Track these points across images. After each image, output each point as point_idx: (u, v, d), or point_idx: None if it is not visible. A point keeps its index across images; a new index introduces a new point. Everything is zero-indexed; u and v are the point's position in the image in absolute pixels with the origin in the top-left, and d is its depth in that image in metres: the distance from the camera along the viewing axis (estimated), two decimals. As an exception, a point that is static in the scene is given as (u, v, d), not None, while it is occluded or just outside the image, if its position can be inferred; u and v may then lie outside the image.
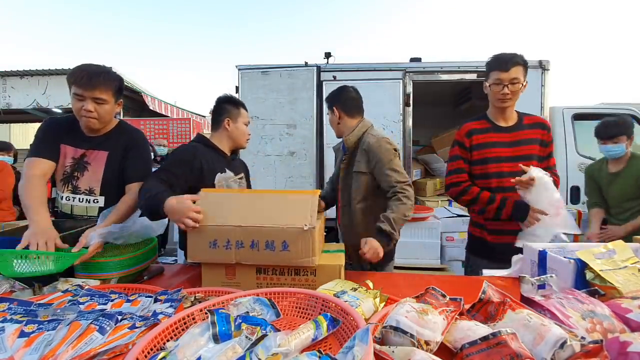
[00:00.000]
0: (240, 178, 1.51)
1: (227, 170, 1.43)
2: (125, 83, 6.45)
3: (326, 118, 3.31)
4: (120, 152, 1.40)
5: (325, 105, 1.76)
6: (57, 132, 1.37)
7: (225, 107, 1.49)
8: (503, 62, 1.44)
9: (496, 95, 1.48)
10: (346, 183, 1.56)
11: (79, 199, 1.39)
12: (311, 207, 1.00)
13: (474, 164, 1.54)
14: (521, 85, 1.45)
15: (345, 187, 1.57)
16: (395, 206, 1.35)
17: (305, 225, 0.94)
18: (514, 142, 1.50)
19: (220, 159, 1.44)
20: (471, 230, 1.67)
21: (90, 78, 1.27)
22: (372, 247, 1.21)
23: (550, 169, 1.52)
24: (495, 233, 1.51)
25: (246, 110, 1.55)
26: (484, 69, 3.23)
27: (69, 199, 1.38)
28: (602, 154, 2.14)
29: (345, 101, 1.64)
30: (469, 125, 1.57)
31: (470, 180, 1.55)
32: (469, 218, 1.67)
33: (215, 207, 1.05)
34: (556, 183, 1.47)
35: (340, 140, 1.68)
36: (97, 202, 1.40)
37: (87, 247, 1.06)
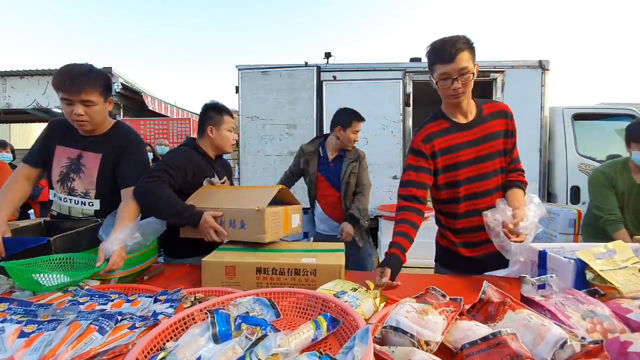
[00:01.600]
0: (223, 182, 1.59)
1: (215, 175, 1.52)
2: (125, 83, 6.41)
3: (326, 118, 3.34)
4: (114, 155, 1.37)
5: (354, 124, 1.99)
6: (52, 136, 1.38)
7: (209, 114, 1.52)
8: (445, 52, 1.17)
9: (447, 92, 1.22)
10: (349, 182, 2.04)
11: (75, 201, 1.37)
12: (267, 197, 1.24)
13: (441, 172, 1.28)
14: (472, 73, 1.18)
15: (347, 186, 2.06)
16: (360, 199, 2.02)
17: (257, 207, 1.17)
18: (475, 140, 1.26)
19: (208, 164, 1.52)
20: (440, 241, 1.47)
21: (74, 81, 1.22)
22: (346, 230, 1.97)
23: (514, 161, 1.31)
24: (469, 246, 1.31)
25: (231, 116, 1.57)
26: (484, 69, 3.20)
27: (66, 200, 1.37)
28: (634, 161, 1.83)
29: None
30: (428, 127, 1.30)
31: (419, 193, 1.26)
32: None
33: (202, 197, 1.37)
34: (525, 184, 1.29)
35: (312, 143, 2.17)
36: (93, 205, 1.37)
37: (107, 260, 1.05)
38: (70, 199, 1.36)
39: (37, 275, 0.93)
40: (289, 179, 2.25)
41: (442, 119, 1.31)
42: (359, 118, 2.00)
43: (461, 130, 1.27)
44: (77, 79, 1.22)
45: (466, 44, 1.17)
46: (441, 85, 1.22)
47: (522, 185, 1.28)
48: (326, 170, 2.10)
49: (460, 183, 1.27)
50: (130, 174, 1.35)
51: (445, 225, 1.39)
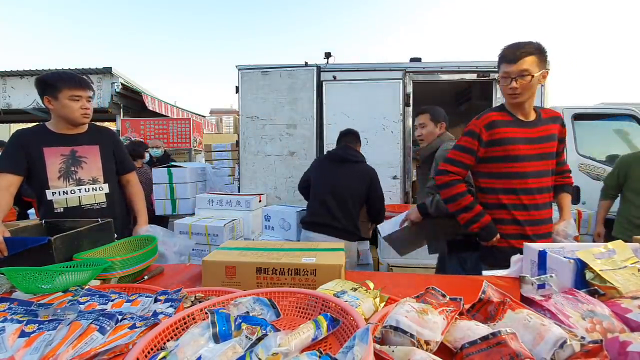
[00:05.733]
0: None
1: None
2: (125, 83, 6.43)
3: (327, 118, 3.34)
4: (110, 146, 1.66)
5: (431, 117, 1.90)
6: (29, 143, 1.48)
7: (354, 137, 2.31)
8: (510, 52, 1.30)
9: (505, 90, 1.35)
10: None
11: (85, 189, 1.55)
12: None
13: (495, 160, 1.38)
14: (532, 76, 1.28)
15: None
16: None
17: None
18: (537, 138, 1.37)
19: None
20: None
21: (83, 80, 1.49)
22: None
23: (563, 163, 1.51)
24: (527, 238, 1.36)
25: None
26: (484, 69, 3.24)
27: (74, 192, 1.52)
28: None
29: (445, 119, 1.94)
30: (492, 115, 1.39)
31: (475, 178, 1.46)
32: None
33: None
34: (570, 185, 1.52)
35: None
36: (102, 189, 1.60)
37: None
38: (80, 189, 1.54)
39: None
40: None
41: (505, 112, 1.41)
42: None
43: (523, 126, 1.38)
44: (84, 80, 1.50)
45: (535, 49, 1.28)
46: (502, 83, 1.35)
47: (570, 188, 1.52)
48: None
49: (515, 175, 1.37)
50: (127, 159, 1.75)
51: (503, 218, 1.45)
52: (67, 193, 1.50)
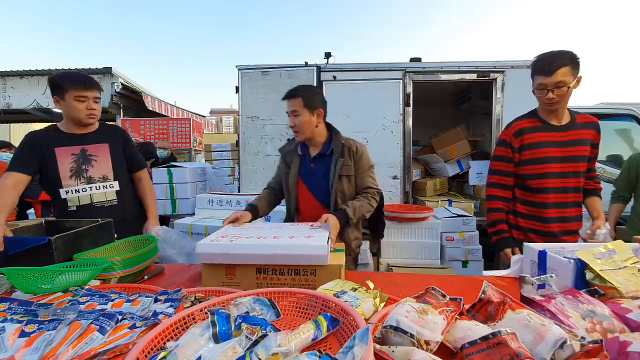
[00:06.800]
0: None
1: None
2: (125, 83, 6.41)
3: (327, 118, 3.33)
4: (119, 144, 1.66)
5: (305, 103, 1.47)
6: (41, 143, 1.50)
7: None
8: (546, 64, 1.33)
9: (542, 100, 1.42)
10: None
11: (96, 187, 1.57)
12: None
13: (525, 163, 1.49)
14: (568, 87, 1.34)
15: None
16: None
17: None
18: (566, 142, 1.45)
19: None
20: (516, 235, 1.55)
21: (88, 80, 1.49)
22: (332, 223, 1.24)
23: (592, 169, 1.55)
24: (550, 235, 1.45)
25: None
26: (484, 69, 3.24)
27: (86, 190, 1.55)
28: None
29: (325, 103, 1.54)
30: (520, 123, 1.51)
31: (516, 181, 1.54)
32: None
33: None
34: (600, 190, 1.55)
35: (289, 143, 1.65)
36: (113, 187, 1.62)
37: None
38: (91, 187, 1.56)
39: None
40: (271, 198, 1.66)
41: (535, 118, 1.50)
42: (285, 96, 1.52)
43: (552, 130, 1.46)
44: (91, 80, 1.51)
45: (569, 59, 1.32)
46: (537, 93, 1.42)
47: (599, 192, 1.55)
48: (306, 173, 1.57)
49: (544, 176, 1.46)
50: (138, 157, 1.75)
51: (526, 214, 1.54)
52: (79, 191, 1.53)
